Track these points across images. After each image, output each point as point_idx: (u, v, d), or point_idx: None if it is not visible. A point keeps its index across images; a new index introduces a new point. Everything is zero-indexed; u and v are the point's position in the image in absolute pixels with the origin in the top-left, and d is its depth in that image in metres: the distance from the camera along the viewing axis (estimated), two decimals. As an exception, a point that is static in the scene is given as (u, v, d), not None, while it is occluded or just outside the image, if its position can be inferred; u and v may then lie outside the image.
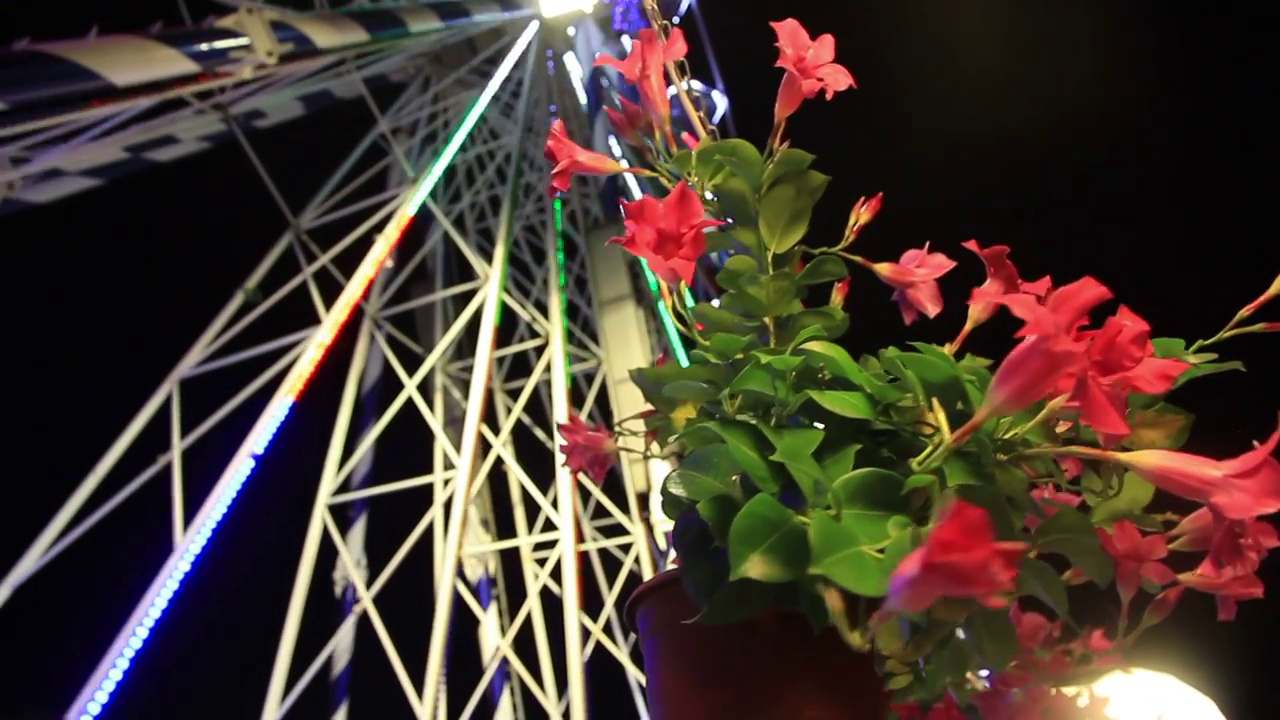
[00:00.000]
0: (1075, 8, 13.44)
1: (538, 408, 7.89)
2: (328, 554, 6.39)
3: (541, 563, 6.89)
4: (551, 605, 6.59)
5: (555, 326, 6.91)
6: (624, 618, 0.64)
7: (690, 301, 0.61)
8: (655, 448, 0.69)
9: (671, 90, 0.66)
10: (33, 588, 5.16)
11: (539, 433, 7.60)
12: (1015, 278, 0.59)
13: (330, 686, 6.74)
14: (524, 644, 6.69)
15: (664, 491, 0.54)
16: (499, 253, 6.70)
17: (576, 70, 9.05)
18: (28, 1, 5.58)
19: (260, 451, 5.45)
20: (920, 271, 0.64)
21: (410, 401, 6.27)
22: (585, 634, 5.87)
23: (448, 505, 5.94)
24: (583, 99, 8.87)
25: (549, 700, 6.55)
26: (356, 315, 6.58)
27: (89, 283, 9.88)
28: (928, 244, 0.65)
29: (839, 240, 0.64)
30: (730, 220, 0.63)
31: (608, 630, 7.09)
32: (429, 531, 6.32)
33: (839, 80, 0.62)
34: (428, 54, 8.14)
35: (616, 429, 0.72)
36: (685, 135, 0.66)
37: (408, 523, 6.16)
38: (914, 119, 13.69)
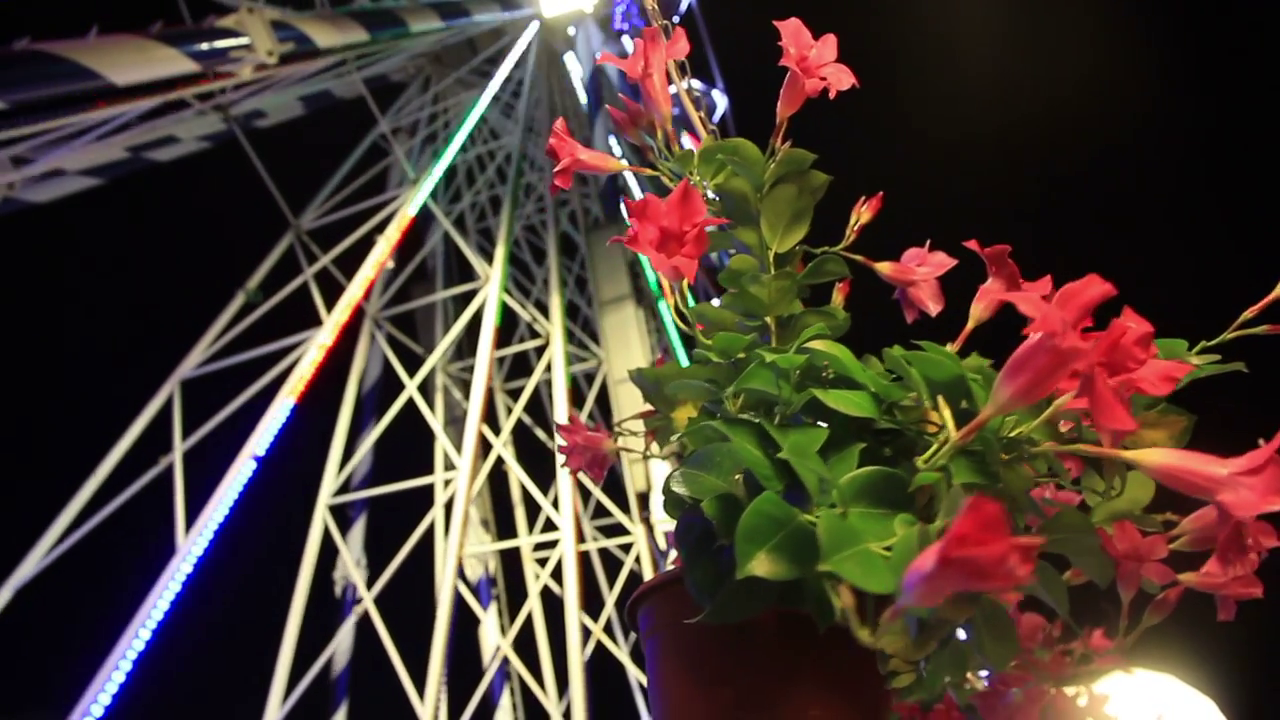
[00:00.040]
0: (1075, 8, 13.44)
1: (538, 408, 7.89)
2: (327, 554, 6.39)
3: (542, 562, 6.90)
4: (552, 605, 6.59)
5: (556, 327, 6.91)
6: (625, 617, 0.64)
7: (690, 301, 0.61)
8: (655, 448, 0.69)
9: (671, 89, 0.66)
10: (35, 589, 5.16)
11: (539, 433, 7.61)
12: (1017, 277, 0.59)
13: (330, 686, 6.74)
14: (524, 643, 6.69)
15: (666, 491, 0.54)
16: (500, 253, 6.70)
17: (577, 70, 9.05)
18: (28, 1, 5.58)
19: (261, 454, 5.46)
20: (921, 270, 0.64)
21: (410, 402, 6.27)
22: (586, 634, 5.87)
23: (448, 506, 5.94)
24: (583, 99, 8.87)
25: (549, 700, 6.55)
26: (357, 316, 6.57)
27: (89, 283, 9.89)
28: (928, 243, 0.65)
29: (837, 240, 0.64)
30: (731, 220, 0.63)
31: (608, 630, 7.09)
32: (429, 531, 6.32)
33: (842, 79, 0.62)
34: (428, 54, 8.14)
35: (616, 429, 0.72)
36: (686, 134, 0.66)
37: (408, 522, 6.17)
38: (914, 119, 13.69)
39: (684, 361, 0.63)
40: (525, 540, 6.87)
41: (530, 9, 8.46)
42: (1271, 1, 10.91)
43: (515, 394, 7.63)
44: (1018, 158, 12.92)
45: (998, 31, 12.69)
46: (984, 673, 0.87)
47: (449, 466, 6.20)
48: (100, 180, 6.04)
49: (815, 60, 0.62)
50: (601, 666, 6.74)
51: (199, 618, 5.62)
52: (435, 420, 6.49)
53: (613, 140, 7.73)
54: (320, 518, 6.06)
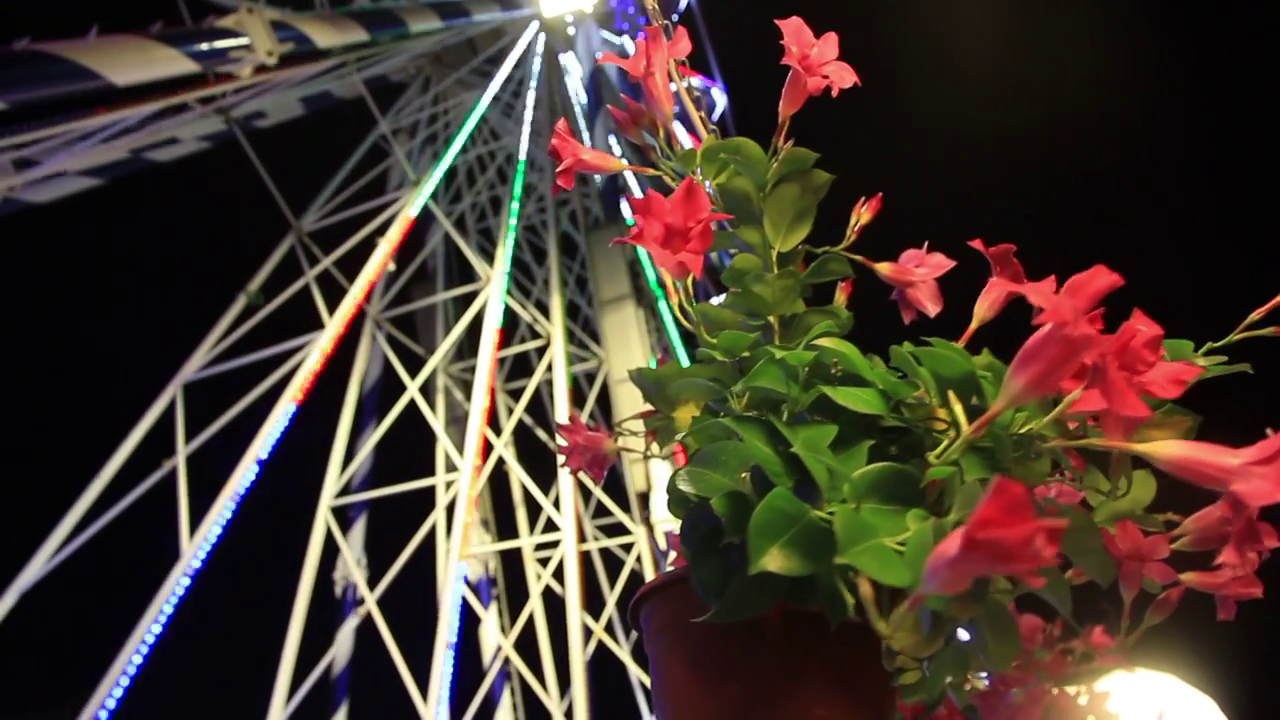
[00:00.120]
0: (1075, 8, 13.44)
1: (539, 408, 7.89)
2: (328, 555, 6.39)
3: (544, 562, 6.90)
4: (553, 605, 6.59)
5: (557, 327, 6.91)
6: (626, 617, 0.64)
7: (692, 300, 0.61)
8: (655, 448, 0.69)
9: (672, 87, 0.66)
10: (39, 593, 5.16)
11: (540, 433, 7.61)
12: (1021, 276, 0.59)
13: (330, 686, 6.74)
14: (525, 643, 6.70)
15: (671, 489, 0.53)
16: (501, 254, 6.70)
17: (576, 70, 9.05)
18: (28, 1, 5.59)
19: (264, 457, 5.46)
20: (920, 271, 0.64)
21: (411, 403, 6.26)
22: (588, 633, 5.87)
23: (450, 507, 5.94)
24: (583, 98, 8.87)
25: (551, 700, 6.55)
26: (358, 317, 6.57)
27: (90, 285, 9.89)
28: (926, 244, 0.65)
29: (836, 240, 0.64)
30: (734, 218, 0.63)
31: (610, 629, 7.09)
32: (430, 531, 6.32)
33: (844, 78, 0.62)
34: (428, 54, 8.14)
35: (617, 429, 0.72)
36: (685, 132, 0.66)
37: (408, 522, 6.17)
38: (914, 119, 13.69)
39: (684, 361, 0.63)
40: (527, 540, 6.87)
41: (530, 9, 8.46)
42: (1272, 1, 10.91)
43: (516, 394, 7.63)
44: (1018, 158, 12.93)
45: (998, 31, 12.70)
46: (983, 674, 0.87)
47: (450, 468, 6.20)
48: (101, 180, 6.05)
49: (817, 58, 0.62)
50: (603, 666, 6.75)
51: (199, 618, 5.63)
52: (437, 421, 6.49)
53: (612, 140, 7.73)
54: (323, 519, 6.06)
